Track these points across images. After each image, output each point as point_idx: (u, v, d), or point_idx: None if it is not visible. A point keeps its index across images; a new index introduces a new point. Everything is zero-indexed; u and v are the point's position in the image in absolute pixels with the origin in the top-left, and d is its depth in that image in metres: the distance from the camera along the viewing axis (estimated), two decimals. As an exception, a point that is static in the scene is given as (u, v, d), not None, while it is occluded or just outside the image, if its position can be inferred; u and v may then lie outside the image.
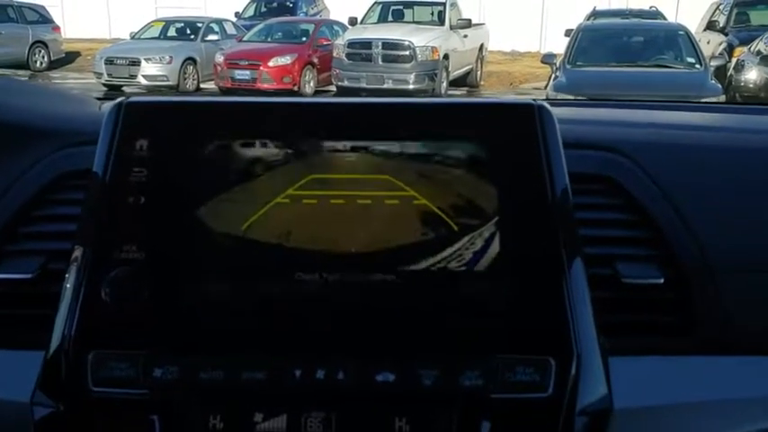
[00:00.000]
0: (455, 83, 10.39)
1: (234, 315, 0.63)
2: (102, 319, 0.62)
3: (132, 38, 11.80)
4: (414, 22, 10.58)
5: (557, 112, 0.71)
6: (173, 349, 0.62)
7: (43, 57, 12.88)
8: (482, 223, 0.64)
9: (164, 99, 0.74)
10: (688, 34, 7.57)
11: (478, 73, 11.37)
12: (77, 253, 0.65)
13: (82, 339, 0.62)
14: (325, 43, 10.53)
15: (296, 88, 9.86)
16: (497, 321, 0.62)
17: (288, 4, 15.23)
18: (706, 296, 0.73)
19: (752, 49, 8.33)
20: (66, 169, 0.81)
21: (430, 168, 0.67)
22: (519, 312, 0.62)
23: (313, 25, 11.25)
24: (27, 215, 0.79)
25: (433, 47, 9.42)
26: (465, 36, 10.51)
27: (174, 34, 11.72)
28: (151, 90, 10.33)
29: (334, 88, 9.97)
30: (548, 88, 7.39)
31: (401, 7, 11.02)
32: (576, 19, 10.35)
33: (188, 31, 11.66)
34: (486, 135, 0.68)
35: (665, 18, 11.57)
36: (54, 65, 13.03)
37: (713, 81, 6.91)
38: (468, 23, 10.52)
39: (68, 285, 0.64)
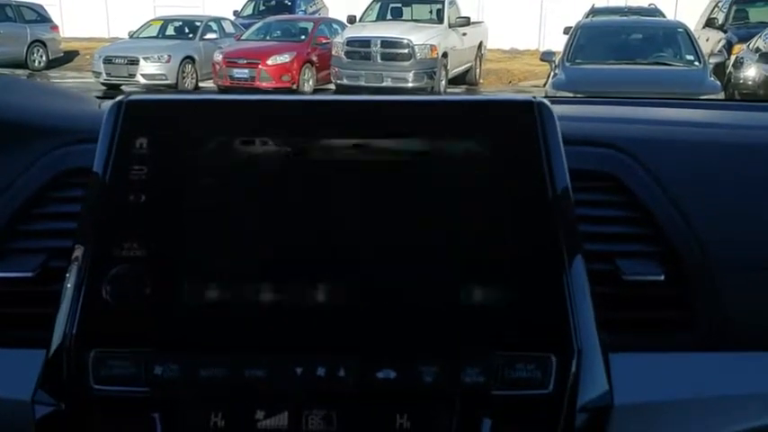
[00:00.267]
0: (454, 81, 10.39)
1: (234, 313, 0.63)
2: (103, 317, 0.62)
3: (131, 37, 11.79)
4: (412, 20, 10.57)
5: (556, 109, 0.71)
6: (174, 347, 0.62)
7: (42, 56, 12.87)
8: (482, 220, 0.65)
9: (164, 97, 0.75)
10: (687, 31, 7.57)
11: (477, 71, 11.36)
12: (78, 251, 0.65)
13: (83, 337, 0.62)
14: (323, 41, 10.53)
15: (295, 87, 9.85)
16: (498, 318, 0.62)
17: (286, 2, 15.20)
18: (706, 292, 0.73)
19: (751, 46, 8.32)
20: (67, 167, 0.81)
21: (430, 165, 0.67)
22: (519, 309, 0.62)
23: (312, 23, 11.25)
24: (27, 213, 0.78)
25: (431, 45, 9.42)
26: (464, 34, 10.51)
27: (173, 33, 11.71)
28: (150, 89, 10.32)
29: (333, 86, 9.96)
30: (547, 86, 7.39)
31: (400, 5, 11.01)
32: (574, 17, 10.35)
33: (186, 30, 11.64)
34: (485, 132, 0.68)
35: (663, 15, 11.58)
36: (52, 64, 13.02)
37: (712, 78, 6.91)
38: (466, 21, 10.52)
39: (69, 283, 0.64)
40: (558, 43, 8.99)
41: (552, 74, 7.36)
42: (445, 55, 9.69)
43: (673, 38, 7.48)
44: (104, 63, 10.45)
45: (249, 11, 15.36)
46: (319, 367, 0.61)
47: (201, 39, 11.34)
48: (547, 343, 0.62)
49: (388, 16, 10.82)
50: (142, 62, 10.39)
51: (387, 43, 9.43)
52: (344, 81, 9.50)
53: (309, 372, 0.61)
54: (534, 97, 0.71)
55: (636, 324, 0.72)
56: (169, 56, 10.53)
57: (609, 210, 0.78)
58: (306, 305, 0.63)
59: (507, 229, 0.64)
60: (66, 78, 12.12)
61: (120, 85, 10.49)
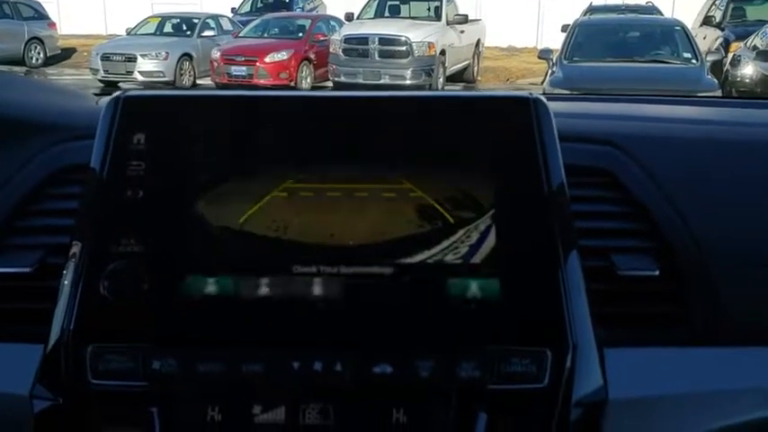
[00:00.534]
0: (452, 78, 10.38)
1: (232, 308, 0.63)
2: (101, 312, 0.63)
3: (128, 34, 11.76)
4: (410, 17, 10.57)
5: (553, 105, 0.71)
6: (171, 342, 0.62)
7: (39, 53, 12.83)
8: (478, 216, 0.65)
9: (161, 93, 0.74)
10: (684, 29, 7.57)
11: (475, 68, 11.36)
12: (76, 247, 0.65)
13: (81, 333, 0.62)
14: (321, 39, 10.51)
15: (292, 84, 9.84)
16: (494, 313, 0.62)
17: (284, -1, 15.20)
18: (700, 288, 0.73)
19: (748, 44, 8.34)
20: (64, 164, 0.81)
21: (426, 161, 0.67)
22: (515, 304, 0.63)
23: (309, 21, 11.23)
24: (25, 209, 0.79)
25: (429, 42, 9.41)
26: (462, 32, 10.50)
27: (171, 30, 11.68)
28: (147, 86, 10.31)
29: (330, 84, 9.95)
30: (544, 84, 7.39)
31: (398, 2, 11.00)
32: (572, 14, 10.35)
33: (184, 27, 11.62)
34: (482, 128, 0.68)
35: (661, 13, 11.57)
36: (50, 61, 12.98)
37: (709, 76, 6.92)
38: (464, 19, 10.51)
39: (67, 279, 0.64)
40: (555, 41, 8.99)
41: (550, 71, 7.36)
42: (443, 52, 9.69)
43: (670, 36, 7.48)
44: (102, 60, 10.42)
45: (247, 8, 15.33)
46: (316, 362, 0.61)
47: (199, 36, 11.32)
48: (542, 338, 0.62)
49: (386, 13, 10.82)
50: (140, 59, 10.37)
51: (384, 40, 9.42)
52: (342, 78, 9.49)
53: (306, 366, 0.61)
54: (530, 93, 0.71)
55: (630, 319, 0.72)
56: (167, 53, 10.51)
57: (604, 205, 0.78)
58: (303, 300, 0.63)
59: (503, 225, 0.65)
60: (63, 75, 12.09)
61: (118, 82, 10.46)
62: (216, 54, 10.01)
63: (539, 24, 15.87)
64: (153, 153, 0.67)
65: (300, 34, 10.61)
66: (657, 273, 0.72)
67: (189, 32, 11.44)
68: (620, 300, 0.72)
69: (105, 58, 10.45)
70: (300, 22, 11.29)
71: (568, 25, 8.17)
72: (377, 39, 9.44)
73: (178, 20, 11.87)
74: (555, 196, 0.66)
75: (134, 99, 0.70)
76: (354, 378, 0.61)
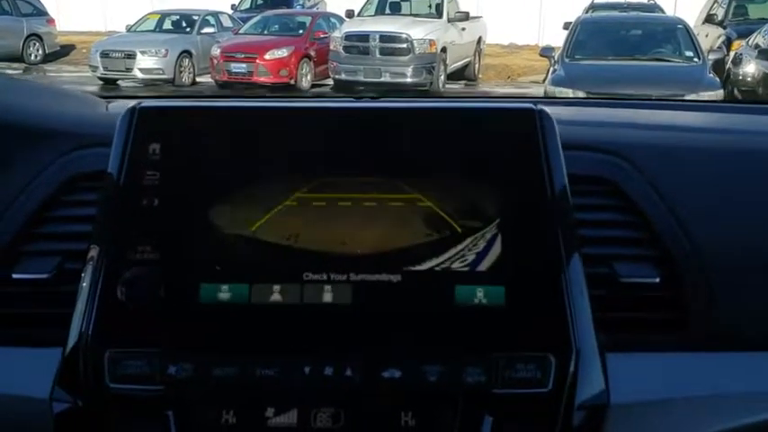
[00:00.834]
0: (453, 76, 10.35)
1: (245, 314, 0.65)
2: (118, 317, 0.65)
3: (128, 31, 11.73)
4: (411, 14, 10.52)
5: (556, 112, 0.73)
6: (187, 347, 0.64)
7: (38, 50, 12.80)
8: (484, 225, 0.67)
9: (176, 104, 0.77)
10: (686, 28, 7.55)
11: (476, 66, 11.33)
12: (93, 253, 0.67)
13: (99, 338, 0.64)
14: (321, 36, 10.48)
15: (292, 81, 9.82)
16: (499, 320, 0.64)
17: (284, -4, 15.15)
18: (701, 295, 0.75)
19: (750, 42, 8.31)
20: (79, 171, 0.83)
21: (434, 171, 0.69)
22: (520, 311, 0.64)
23: (310, 18, 11.20)
24: (42, 216, 0.80)
25: (430, 40, 9.38)
26: (463, 29, 10.46)
27: (170, 27, 11.64)
28: (147, 83, 10.27)
29: (331, 82, 9.93)
30: (546, 82, 7.38)
31: None
32: (574, 12, 10.33)
33: (184, 24, 11.58)
34: (488, 139, 0.70)
35: (663, 11, 11.55)
36: (49, 58, 12.95)
37: (711, 75, 6.90)
38: (465, 16, 10.47)
39: (84, 285, 0.66)
40: (557, 38, 8.97)
41: (551, 69, 7.34)
42: (444, 50, 9.66)
43: (672, 34, 7.46)
44: (101, 57, 10.38)
45: (247, 5, 15.30)
46: (327, 367, 0.63)
47: (199, 33, 11.27)
48: (546, 344, 0.64)
49: (387, 10, 10.77)
50: (139, 56, 10.32)
51: (385, 38, 9.39)
52: (343, 76, 9.46)
53: (317, 371, 0.63)
54: (535, 105, 0.73)
55: (632, 325, 0.74)
56: (166, 50, 10.46)
57: (606, 214, 0.80)
58: (314, 307, 0.65)
59: (509, 233, 0.66)
60: (62, 72, 12.07)
61: (117, 79, 10.44)
62: (216, 51, 9.98)
63: (540, 22, 15.84)
64: (168, 163, 0.69)
65: (301, 31, 10.59)
66: (658, 280, 0.74)
67: (189, 29, 11.40)
68: (621, 306, 0.74)
69: (104, 55, 10.40)
70: (301, 19, 11.27)
71: (570, 23, 8.15)
72: (378, 36, 9.40)
73: (178, 16, 11.82)
74: (559, 205, 0.68)
75: (149, 110, 0.73)
76: (364, 382, 0.63)
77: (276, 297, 0.65)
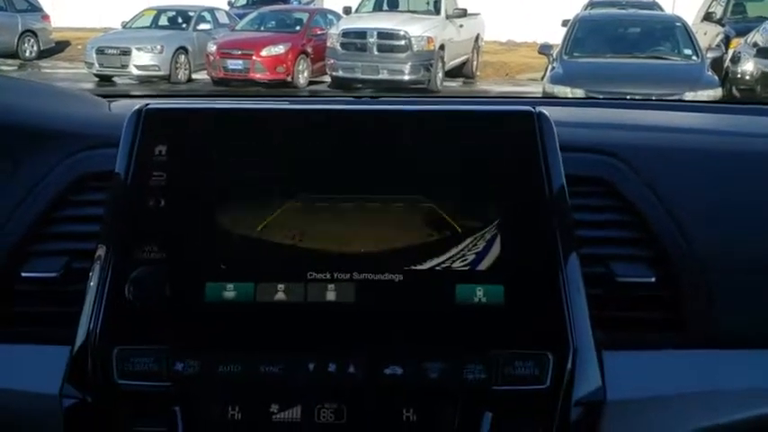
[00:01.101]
0: (451, 73, 10.31)
1: (250, 312, 0.66)
2: (126, 316, 0.66)
3: (123, 27, 11.65)
4: (409, 11, 10.47)
5: (554, 113, 0.75)
6: (193, 345, 0.66)
7: (33, 46, 12.70)
8: (484, 225, 0.69)
9: (182, 106, 0.79)
10: (685, 26, 7.53)
11: (474, 63, 11.28)
12: (101, 253, 0.69)
13: (107, 335, 0.66)
14: (319, 32, 10.43)
15: (289, 78, 9.76)
16: (498, 318, 0.66)
17: (281, -8, 15.07)
18: (696, 294, 0.76)
19: (748, 40, 8.29)
20: (85, 171, 0.84)
21: (434, 173, 0.71)
22: (519, 309, 0.66)
23: (307, 14, 11.14)
24: (50, 216, 0.81)
25: (428, 37, 9.33)
26: (461, 26, 10.42)
27: (166, 23, 11.57)
28: (142, 80, 10.21)
29: (328, 79, 9.87)
30: (544, 79, 7.35)
31: (396, -4, 10.91)
32: (572, 9, 10.28)
33: (180, 20, 11.51)
34: (488, 141, 0.72)
35: (661, 9, 11.51)
36: (44, 54, 12.86)
37: (710, 73, 6.88)
38: (463, 13, 10.42)
39: (92, 284, 0.68)
40: (555, 36, 8.93)
41: (550, 67, 7.32)
42: (442, 47, 9.61)
43: (671, 32, 7.44)
44: (97, 54, 10.29)
45: (243, 1, 15.23)
46: (330, 364, 0.65)
47: (195, 29, 11.19)
48: (544, 342, 0.65)
49: (385, 7, 10.72)
50: (135, 53, 10.24)
51: (383, 35, 9.34)
52: (340, 73, 9.40)
53: (321, 368, 0.65)
54: (534, 107, 0.75)
55: (628, 323, 0.75)
56: (162, 46, 10.38)
57: (604, 214, 0.81)
58: (317, 305, 0.66)
59: (508, 234, 0.68)
60: (57, 69, 11.99)
61: (113, 75, 10.37)
62: (212, 47, 9.91)
63: (538, 19, 15.80)
64: (174, 164, 0.71)
65: (298, 28, 10.53)
66: (654, 280, 0.76)
67: (185, 25, 11.33)
68: (618, 305, 0.75)
69: (100, 51, 10.32)
70: (298, 15, 11.20)
71: (569, 20, 8.11)
72: (375, 33, 9.34)
73: (174, 13, 11.75)
74: (557, 206, 0.70)
75: (156, 112, 0.74)
76: (366, 379, 0.64)
77: (280, 296, 0.66)
